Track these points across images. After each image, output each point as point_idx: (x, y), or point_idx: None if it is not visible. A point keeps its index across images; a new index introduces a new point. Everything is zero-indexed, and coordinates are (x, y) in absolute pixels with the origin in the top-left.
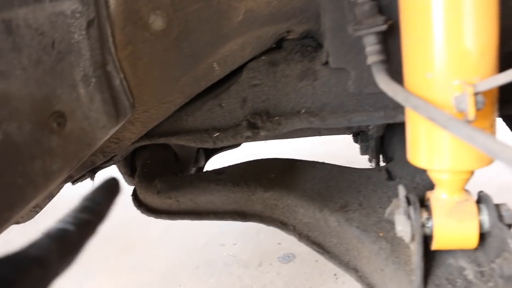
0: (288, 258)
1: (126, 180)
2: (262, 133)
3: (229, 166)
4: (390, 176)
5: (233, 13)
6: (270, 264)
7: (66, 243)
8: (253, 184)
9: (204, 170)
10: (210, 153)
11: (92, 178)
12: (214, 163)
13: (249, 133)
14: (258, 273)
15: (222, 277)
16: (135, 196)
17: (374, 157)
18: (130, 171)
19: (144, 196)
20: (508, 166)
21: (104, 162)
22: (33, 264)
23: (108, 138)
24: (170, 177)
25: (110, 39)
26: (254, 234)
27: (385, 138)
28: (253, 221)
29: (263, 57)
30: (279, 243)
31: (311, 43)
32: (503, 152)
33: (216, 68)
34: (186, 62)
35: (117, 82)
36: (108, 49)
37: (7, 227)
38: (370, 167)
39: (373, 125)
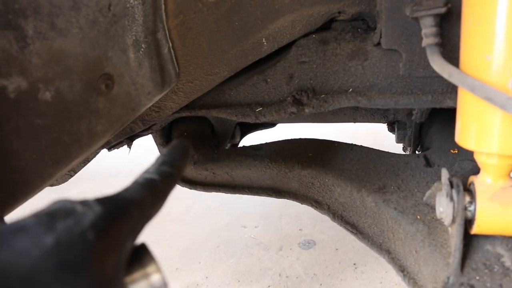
0: (308, 244)
1: (160, 151)
2: (307, 110)
3: (266, 143)
4: (428, 163)
5: None
6: (291, 249)
7: (154, 189)
8: (291, 162)
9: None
10: (246, 130)
11: (129, 146)
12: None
13: (293, 109)
14: (278, 257)
15: (242, 258)
16: None
17: (411, 145)
18: (166, 142)
19: None
20: None
21: (143, 130)
22: (132, 206)
23: (150, 106)
24: (207, 149)
25: (163, 7)
26: (276, 219)
27: (423, 127)
28: (287, 198)
29: (313, 35)
30: (300, 229)
31: (361, 25)
32: None
33: (265, 43)
34: (235, 36)
35: (165, 50)
36: (160, 17)
37: (50, 183)
38: None
39: (417, 110)
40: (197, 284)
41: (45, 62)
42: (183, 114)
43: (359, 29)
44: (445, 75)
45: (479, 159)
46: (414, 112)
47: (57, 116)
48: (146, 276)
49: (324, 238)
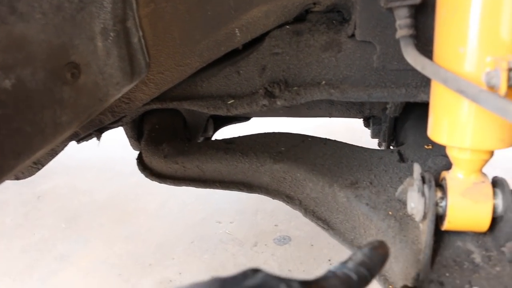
0: (283, 240)
1: (131, 144)
2: (279, 102)
3: (239, 137)
4: (402, 158)
5: None
6: (266, 245)
7: None
8: (262, 156)
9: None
10: (219, 124)
11: (98, 138)
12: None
13: (265, 102)
14: (252, 253)
15: (217, 253)
16: (140, 160)
17: (385, 140)
18: (137, 134)
19: (149, 160)
20: None
21: (112, 123)
22: None
23: (120, 97)
24: (178, 142)
25: None
26: (252, 214)
27: (398, 122)
28: (259, 193)
29: (287, 26)
30: (275, 225)
31: (336, 17)
32: None
33: (238, 34)
34: (208, 25)
35: (135, 39)
36: (130, 4)
37: (11, 175)
38: None
39: (391, 104)
40: (170, 280)
41: (4, 48)
42: (154, 106)
43: (334, 21)
44: (418, 67)
45: (451, 153)
46: (388, 106)
47: (18, 105)
48: None
49: (299, 234)
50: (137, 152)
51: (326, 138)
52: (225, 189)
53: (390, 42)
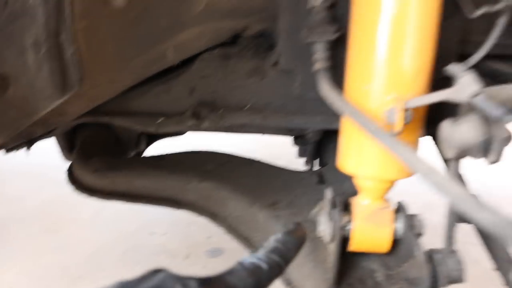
0: (216, 252)
1: (63, 155)
2: (205, 124)
3: (168, 154)
4: (321, 180)
5: (194, 2)
6: (198, 257)
7: (259, 279)
8: (190, 174)
9: (144, 155)
10: (152, 138)
11: (28, 149)
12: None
13: (192, 122)
14: (184, 265)
15: (148, 265)
16: (70, 172)
17: (310, 161)
18: (69, 146)
19: (80, 173)
20: (419, 176)
21: (43, 134)
22: None
23: (51, 110)
24: (109, 157)
25: (68, 8)
26: (185, 226)
27: (322, 144)
28: (186, 210)
29: (217, 50)
30: (208, 237)
31: (264, 42)
32: (417, 162)
33: (170, 54)
34: (141, 44)
35: (68, 53)
36: (64, 19)
37: None
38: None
39: (311, 130)
40: None
41: None
42: (86, 120)
43: (261, 47)
44: (328, 100)
45: (358, 182)
46: (308, 132)
47: None
48: None
49: (231, 246)
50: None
51: (252, 159)
52: (154, 205)
53: (310, 72)
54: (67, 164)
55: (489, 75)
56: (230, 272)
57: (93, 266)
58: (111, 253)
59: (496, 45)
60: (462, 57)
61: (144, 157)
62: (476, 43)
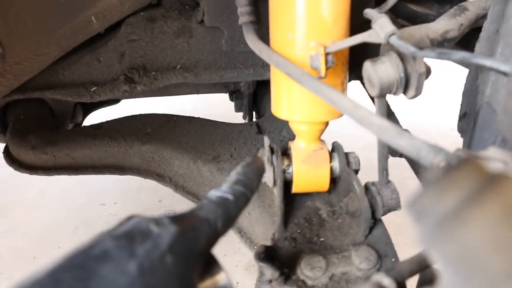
0: (168, 214)
1: None
2: (139, 88)
3: (107, 121)
4: (260, 130)
5: None
6: None
7: (227, 209)
8: (130, 138)
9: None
10: (89, 109)
11: None
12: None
13: (126, 88)
14: None
15: None
16: (7, 153)
17: (247, 114)
18: (1, 127)
19: (17, 152)
20: (343, 112)
21: None
22: (205, 225)
23: None
24: (45, 132)
25: None
26: (135, 192)
27: (258, 96)
28: (131, 174)
29: (142, 13)
30: (160, 201)
31: (189, 2)
32: (341, 102)
33: (94, 21)
34: (62, 14)
35: None
36: None
37: None
38: None
39: (244, 82)
40: None
41: None
42: (16, 97)
43: (186, 6)
44: (256, 51)
45: (293, 126)
46: (241, 85)
47: None
48: (215, 283)
49: (183, 206)
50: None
51: (190, 116)
52: (98, 174)
53: (236, 26)
54: (2, 145)
55: (409, 18)
56: (199, 207)
57: (47, 245)
58: (63, 230)
59: None
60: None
61: (82, 127)
62: None
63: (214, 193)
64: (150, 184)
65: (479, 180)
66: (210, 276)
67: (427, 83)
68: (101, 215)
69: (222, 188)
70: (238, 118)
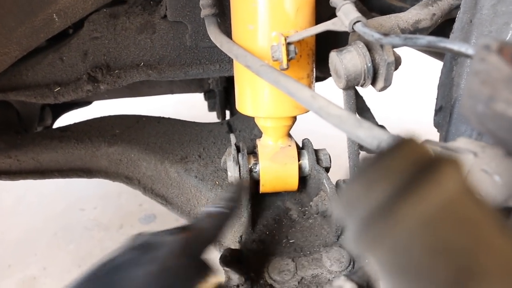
0: (149, 219)
1: None
2: (102, 87)
3: (73, 124)
4: (231, 129)
5: None
6: (131, 226)
7: (219, 221)
8: (97, 140)
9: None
10: (59, 111)
11: None
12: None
13: (89, 87)
14: (119, 236)
15: (82, 242)
16: None
17: (220, 113)
18: None
19: None
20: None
21: None
22: (202, 233)
23: None
24: (9, 135)
25: None
26: (115, 197)
27: (230, 94)
28: (99, 177)
29: (105, 10)
30: (140, 205)
31: None
32: (299, 92)
33: (56, 19)
34: (22, 12)
35: None
36: None
37: None
38: None
39: (212, 79)
40: (34, 278)
41: None
42: None
43: (151, 2)
44: (218, 44)
45: (259, 123)
46: (209, 82)
47: None
48: (212, 284)
49: (164, 210)
50: None
51: (160, 117)
52: (65, 177)
53: (200, 21)
54: None
55: (383, 11)
56: (196, 220)
57: (23, 252)
58: (41, 237)
59: None
60: None
61: (48, 130)
62: None
63: (207, 208)
64: (130, 188)
65: (413, 167)
66: (207, 277)
67: (410, 79)
68: (80, 221)
69: (214, 204)
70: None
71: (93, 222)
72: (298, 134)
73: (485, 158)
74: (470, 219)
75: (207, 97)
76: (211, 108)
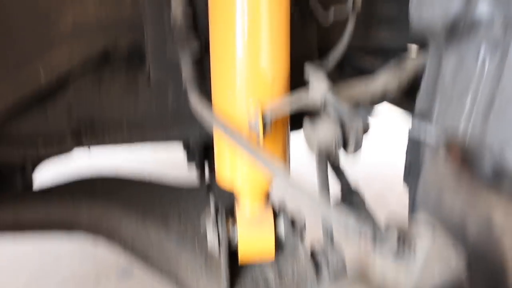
0: (127, 272)
1: None
2: (85, 143)
3: (55, 186)
4: (210, 191)
5: (61, 19)
6: (108, 279)
7: None
8: (79, 201)
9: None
10: (37, 161)
11: None
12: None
13: (72, 143)
14: None
15: None
16: None
17: (199, 165)
18: None
19: None
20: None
21: None
22: None
23: None
24: None
25: None
26: (92, 248)
27: (209, 148)
28: (79, 234)
29: (89, 76)
30: (117, 257)
31: (136, 58)
32: (273, 168)
33: (42, 75)
34: (7, 66)
35: None
36: None
37: None
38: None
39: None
40: None
41: None
42: None
43: (133, 63)
44: (198, 111)
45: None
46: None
47: None
48: None
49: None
50: None
51: (141, 178)
52: (45, 233)
53: (182, 84)
54: None
55: (363, 71)
56: None
57: None
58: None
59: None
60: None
61: (30, 192)
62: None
63: None
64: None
65: None
66: None
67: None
68: (57, 272)
69: None
70: None
71: (70, 274)
72: None
73: None
74: None
75: (187, 148)
76: (190, 159)
